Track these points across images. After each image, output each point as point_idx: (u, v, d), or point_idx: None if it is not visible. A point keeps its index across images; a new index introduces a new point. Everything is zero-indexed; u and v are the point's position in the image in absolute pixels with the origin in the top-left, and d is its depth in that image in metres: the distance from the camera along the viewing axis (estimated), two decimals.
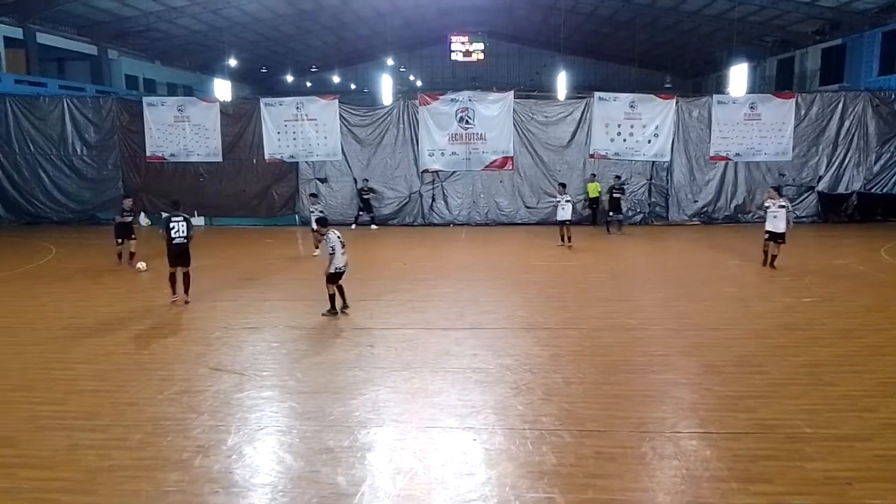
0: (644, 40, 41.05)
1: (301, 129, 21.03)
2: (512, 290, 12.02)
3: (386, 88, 29.24)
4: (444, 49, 46.13)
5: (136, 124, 21.36)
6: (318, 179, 21.34)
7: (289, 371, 7.64)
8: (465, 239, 18.82)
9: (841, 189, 20.77)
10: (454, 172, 21.16)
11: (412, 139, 21.02)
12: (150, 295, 11.66)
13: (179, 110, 21.33)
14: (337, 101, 21.25)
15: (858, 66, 29.55)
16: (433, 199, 21.42)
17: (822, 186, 20.75)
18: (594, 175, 20.80)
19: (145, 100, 22.04)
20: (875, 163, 20.67)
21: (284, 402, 6.79)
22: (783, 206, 13.01)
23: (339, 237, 9.95)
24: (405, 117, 21.02)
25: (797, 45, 34.35)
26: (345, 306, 10.16)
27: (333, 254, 9.79)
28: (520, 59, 50.53)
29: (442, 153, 20.98)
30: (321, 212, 15.76)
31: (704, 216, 20.99)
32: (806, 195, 20.90)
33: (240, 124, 21.29)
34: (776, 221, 12.99)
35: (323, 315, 9.96)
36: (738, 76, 25.07)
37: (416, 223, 21.29)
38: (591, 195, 20.65)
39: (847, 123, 20.52)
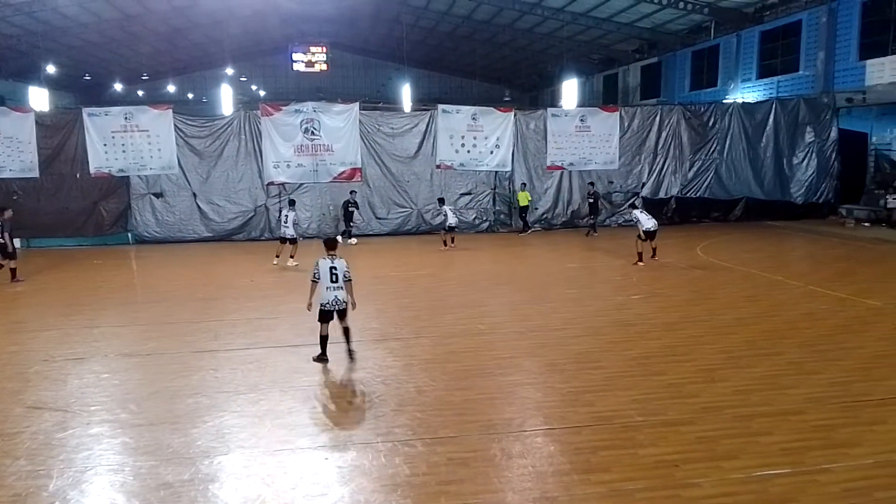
0: (484, 55, 42.76)
1: (131, 141, 19.59)
2: (364, 302, 11.83)
3: (226, 98, 28.13)
4: (287, 59, 45.14)
5: None
6: (153, 194, 20.03)
7: (121, 403, 7.03)
8: (315, 252, 18.41)
9: (661, 194, 22.81)
10: (301, 185, 20.71)
11: (255, 151, 20.32)
12: None
13: None
14: (171, 111, 20.07)
15: (672, 82, 32.79)
16: (280, 213, 20.80)
17: (645, 192, 22.63)
18: (524, 184, 21.49)
19: None
20: (689, 170, 22.91)
21: (116, 437, 6.23)
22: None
23: (331, 266, 8.01)
24: (247, 128, 20.29)
25: (620, 62, 37.46)
26: (349, 355, 8.25)
27: (316, 282, 8.05)
28: (365, 71, 50.64)
29: (288, 165, 20.45)
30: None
31: (544, 223, 22.15)
32: (632, 200, 22.71)
33: (59, 136, 19.47)
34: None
35: (313, 360, 8.22)
36: (570, 90, 26.89)
37: (262, 237, 20.57)
38: (522, 204, 21.26)
39: (664, 134, 22.59)
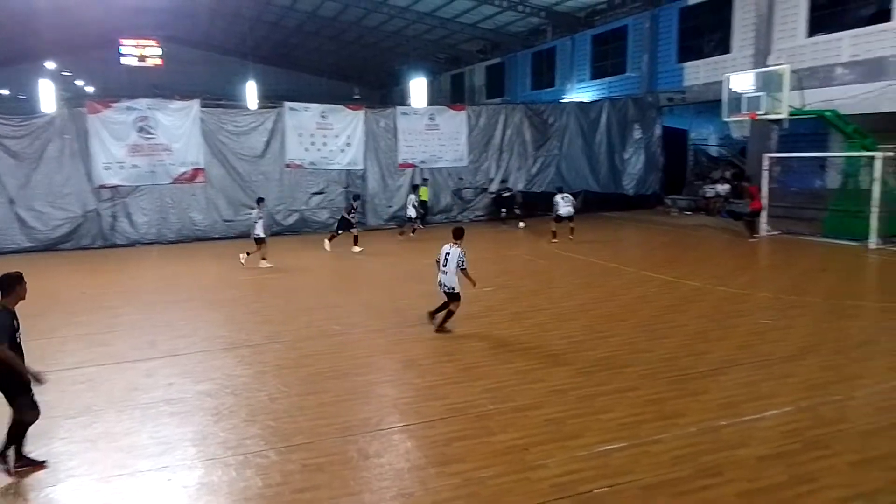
0: (332, 52, 42.21)
1: None
2: (212, 310, 11.38)
3: (47, 95, 25.52)
4: (117, 52, 41.82)
5: None
6: None
7: None
8: (156, 258, 17.32)
9: None
10: (138, 187, 19.33)
11: (83, 152, 18.67)
12: None
13: None
14: None
15: (515, 82, 34.21)
16: (114, 218, 19.29)
17: (493, 188, 23.47)
18: (426, 180, 21.72)
19: None
20: (533, 165, 24.08)
21: None
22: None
23: (446, 253, 9.14)
24: (72, 127, 18.60)
25: (466, 62, 38.51)
26: (437, 319, 9.54)
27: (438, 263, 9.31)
28: (207, 67, 48.00)
29: (121, 166, 19.01)
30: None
31: (399, 220, 22.27)
32: (482, 196, 23.48)
33: None
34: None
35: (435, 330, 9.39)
36: (419, 89, 27.10)
37: (95, 245, 18.98)
38: (423, 198, 21.33)
39: (509, 132, 23.56)
